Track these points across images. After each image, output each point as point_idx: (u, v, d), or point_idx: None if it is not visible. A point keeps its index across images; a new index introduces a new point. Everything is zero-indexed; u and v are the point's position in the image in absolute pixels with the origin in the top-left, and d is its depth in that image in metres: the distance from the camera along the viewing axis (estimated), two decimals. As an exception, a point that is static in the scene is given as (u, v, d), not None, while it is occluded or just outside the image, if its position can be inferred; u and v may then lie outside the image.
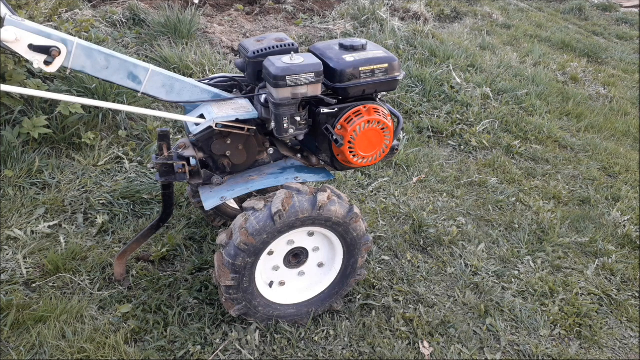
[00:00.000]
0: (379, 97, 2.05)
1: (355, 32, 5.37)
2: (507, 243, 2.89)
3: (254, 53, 1.96)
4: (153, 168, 2.00)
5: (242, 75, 2.13)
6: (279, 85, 1.77)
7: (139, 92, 1.84)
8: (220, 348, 2.04)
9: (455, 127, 4.05)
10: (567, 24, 7.94)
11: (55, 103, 3.06)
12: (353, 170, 3.30)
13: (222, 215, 2.63)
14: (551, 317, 2.41)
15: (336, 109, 1.91)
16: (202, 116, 1.95)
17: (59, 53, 1.68)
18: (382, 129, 1.95)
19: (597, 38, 7.60)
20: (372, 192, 3.18)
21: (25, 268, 2.30)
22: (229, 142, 1.96)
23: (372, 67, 1.87)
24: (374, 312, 2.29)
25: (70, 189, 2.80)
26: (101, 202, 2.73)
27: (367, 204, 3.03)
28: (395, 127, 2.05)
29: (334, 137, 1.89)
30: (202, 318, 2.14)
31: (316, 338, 2.13)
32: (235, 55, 4.52)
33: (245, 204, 1.92)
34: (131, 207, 2.74)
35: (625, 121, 4.83)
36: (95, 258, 2.39)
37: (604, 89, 5.53)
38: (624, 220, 3.20)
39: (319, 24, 5.57)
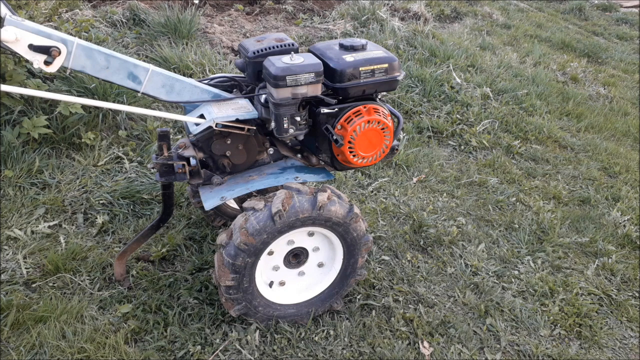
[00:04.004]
0: (379, 97, 2.05)
1: (355, 32, 5.36)
2: (507, 243, 2.89)
3: (254, 53, 1.96)
4: (153, 168, 2.00)
5: (242, 75, 2.13)
6: (279, 85, 1.77)
7: (139, 92, 1.84)
8: (220, 348, 2.04)
9: (455, 127, 4.05)
10: (567, 24, 7.94)
11: (55, 103, 3.06)
12: (353, 170, 3.30)
13: (222, 215, 2.63)
14: (551, 317, 2.41)
15: (336, 109, 1.91)
16: (202, 116, 1.95)
17: (59, 53, 1.68)
18: (382, 129, 1.95)
19: (597, 38, 7.59)
20: (372, 192, 3.17)
21: (25, 268, 2.30)
22: (229, 142, 1.96)
23: (372, 67, 1.87)
24: (374, 312, 2.29)
25: (70, 189, 2.80)
26: (101, 202, 2.73)
27: (367, 204, 3.03)
28: (395, 127, 2.05)
29: (334, 137, 1.89)
30: (202, 318, 2.14)
31: (316, 338, 2.13)
32: (235, 55, 4.52)
33: (245, 204, 1.92)
34: (131, 207, 2.74)
35: (625, 121, 4.84)
36: (95, 258, 2.39)
37: (604, 89, 5.53)
38: (624, 220, 3.20)
39: (319, 24, 5.57)
